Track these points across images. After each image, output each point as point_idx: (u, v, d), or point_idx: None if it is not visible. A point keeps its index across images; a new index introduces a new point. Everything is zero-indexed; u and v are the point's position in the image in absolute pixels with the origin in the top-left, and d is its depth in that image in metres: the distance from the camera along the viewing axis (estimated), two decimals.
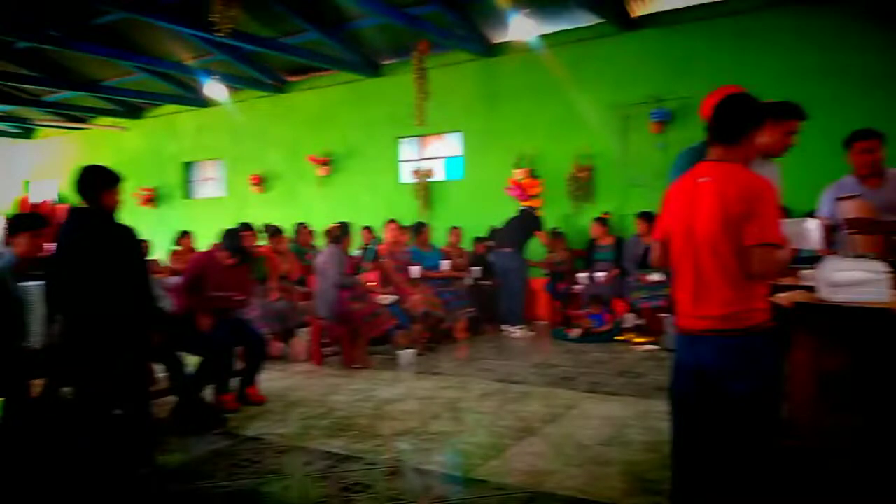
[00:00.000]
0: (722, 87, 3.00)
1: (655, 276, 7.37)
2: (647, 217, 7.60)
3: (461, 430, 4.31)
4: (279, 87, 11.31)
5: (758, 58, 7.47)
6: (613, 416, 4.51)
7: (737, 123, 2.39)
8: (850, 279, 2.60)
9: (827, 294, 2.64)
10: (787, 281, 2.98)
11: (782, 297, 2.86)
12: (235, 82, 10.86)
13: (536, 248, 8.39)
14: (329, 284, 6.26)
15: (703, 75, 7.34)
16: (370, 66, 10.20)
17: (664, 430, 4.10)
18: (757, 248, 2.23)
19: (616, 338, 7.38)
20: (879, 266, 2.73)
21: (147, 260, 4.46)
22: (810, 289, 2.87)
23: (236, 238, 5.15)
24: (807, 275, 3.04)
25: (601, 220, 8.13)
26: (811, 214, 4.52)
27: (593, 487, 3.26)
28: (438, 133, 10.07)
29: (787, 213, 6.83)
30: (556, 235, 8.45)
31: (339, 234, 6.41)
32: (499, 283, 8.22)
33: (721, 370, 2.33)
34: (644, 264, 7.55)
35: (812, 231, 2.99)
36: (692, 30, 7.94)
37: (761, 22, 7.57)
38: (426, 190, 9.87)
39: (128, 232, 3.64)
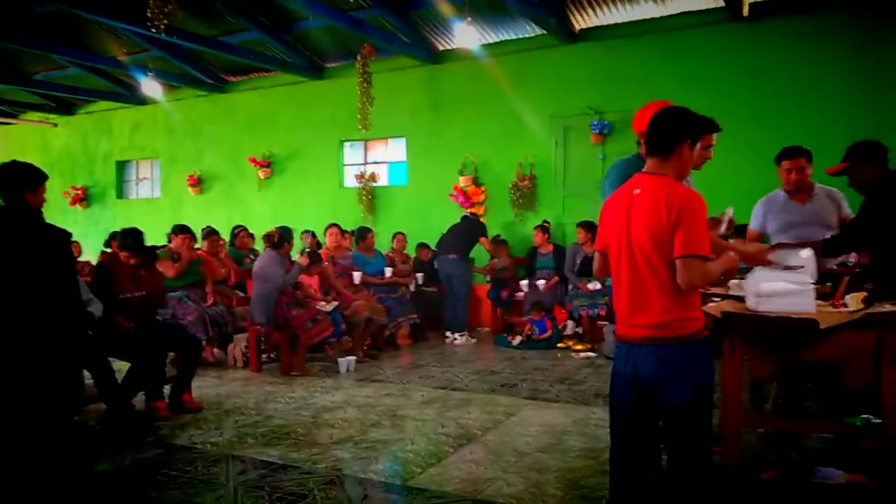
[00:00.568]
0: (652, 101, 3.09)
1: (594, 285, 7.52)
2: (587, 226, 7.74)
3: (401, 437, 4.28)
4: (219, 86, 11.06)
5: (690, 73, 7.72)
6: (552, 423, 4.55)
7: (669, 136, 2.44)
8: (776, 290, 2.68)
9: (753, 304, 2.73)
10: (718, 290, 3.07)
11: (712, 307, 2.94)
12: (173, 80, 10.56)
13: (480, 254, 8.44)
14: (267, 290, 6.13)
15: (641, 89, 7.52)
16: (314, 69, 10.08)
17: (602, 437, 4.20)
18: (684, 260, 2.27)
19: (557, 345, 7.48)
20: (806, 278, 2.83)
21: (75, 262, 4.28)
22: (740, 299, 2.96)
23: (135, 237, 4.94)
24: (735, 285, 3.14)
25: (542, 228, 8.24)
26: (743, 227, 4.69)
27: (531, 495, 3.28)
28: (383, 138, 10.02)
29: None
30: (498, 243, 8.52)
31: (280, 240, 6.29)
32: (442, 289, 8.23)
33: (656, 378, 2.37)
34: (583, 272, 7.69)
35: (807, 260, 3.03)
36: (629, 45, 8.14)
37: (693, 39, 7.82)
38: (370, 195, 9.80)
39: (55, 232, 3.48)
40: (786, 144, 4.33)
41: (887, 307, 2.76)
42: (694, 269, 2.27)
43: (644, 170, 2.48)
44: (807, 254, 3.00)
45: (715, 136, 3.78)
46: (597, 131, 8.16)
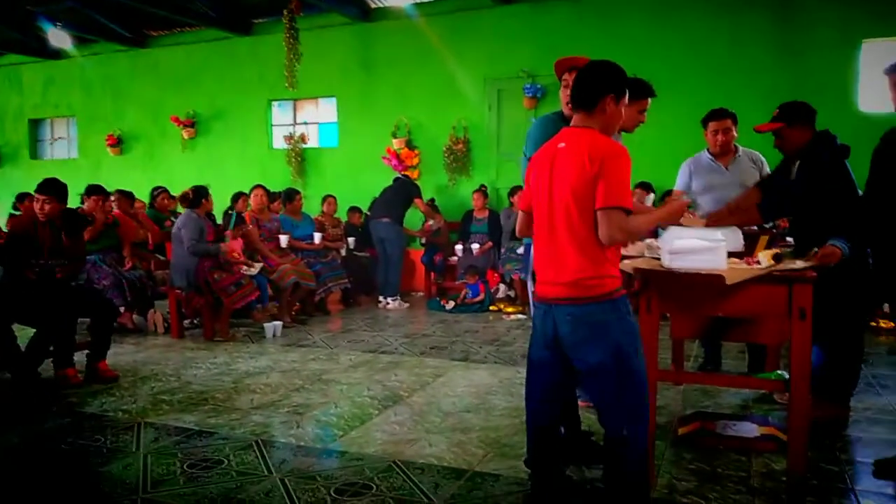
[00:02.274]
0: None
1: (522, 248, 7.53)
2: (520, 190, 7.73)
3: (324, 401, 4.18)
4: (140, 41, 10.47)
5: (623, 37, 7.71)
6: (479, 383, 4.54)
7: (593, 90, 2.36)
8: (688, 247, 2.68)
9: (667, 261, 2.72)
10: (634, 250, 3.06)
11: (626, 264, 2.93)
12: (88, 33, 9.92)
13: (414, 219, 8.34)
14: (186, 252, 5.87)
15: (574, 52, 7.43)
16: (240, 25, 9.63)
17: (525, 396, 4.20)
18: (605, 211, 2.22)
19: (489, 308, 7.49)
20: (718, 234, 2.84)
21: None
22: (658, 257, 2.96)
23: (58, 188, 4.59)
24: (652, 243, 3.14)
25: (482, 192, 8.17)
26: (670, 192, 4.73)
27: (452, 454, 3.25)
28: (312, 97, 9.72)
29: (648, 186, 7.22)
30: (433, 206, 8.42)
31: (195, 197, 6.00)
32: (375, 253, 8.09)
33: (574, 338, 2.33)
34: (515, 236, 7.69)
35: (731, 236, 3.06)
36: (563, 7, 8.07)
37: (628, 3, 7.82)
38: (299, 157, 9.52)
39: None
40: (712, 107, 4.36)
41: (799, 263, 2.79)
42: (614, 221, 2.20)
43: (571, 124, 2.42)
44: (727, 234, 2.99)
45: (650, 101, 3.77)
46: (530, 95, 8.10)
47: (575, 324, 2.32)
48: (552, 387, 2.49)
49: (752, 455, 3.16)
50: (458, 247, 8.14)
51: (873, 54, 7.06)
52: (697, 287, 2.65)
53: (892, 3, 6.92)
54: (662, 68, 7.28)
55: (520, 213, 2.62)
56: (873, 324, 5.86)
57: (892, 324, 5.92)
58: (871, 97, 7.05)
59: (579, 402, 3.99)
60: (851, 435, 3.48)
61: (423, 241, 8.53)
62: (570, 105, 3.17)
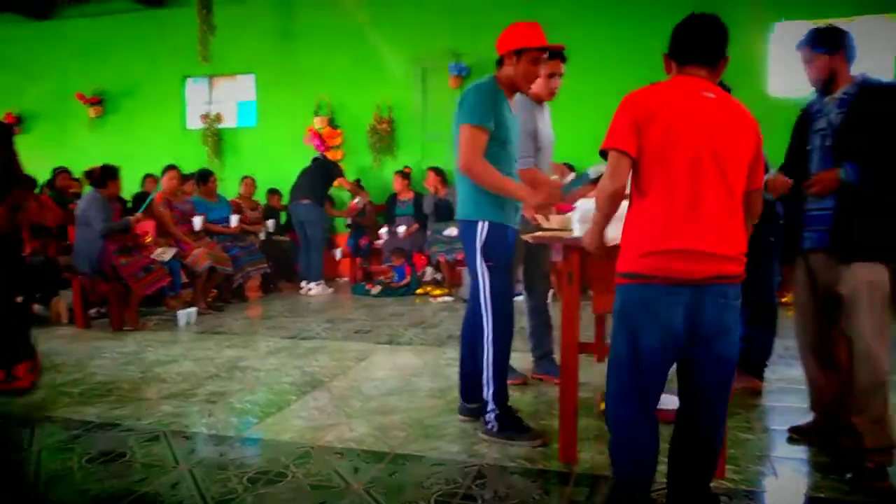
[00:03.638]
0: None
1: (451, 231, 7.45)
2: (437, 171, 7.63)
3: (239, 388, 3.98)
4: (44, 12, 9.76)
5: (553, 18, 7.65)
6: (403, 365, 4.43)
7: (722, 47, 2.19)
8: (586, 216, 2.67)
9: (577, 231, 2.70)
10: (556, 222, 3.01)
11: (528, 236, 2.91)
12: None
13: (343, 197, 8.16)
14: (90, 235, 5.50)
15: (498, 32, 7.40)
16: None
17: (451, 376, 4.12)
18: (758, 193, 2.18)
19: (416, 291, 7.39)
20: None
21: None
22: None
23: None
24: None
25: (403, 174, 8.03)
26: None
27: (373, 437, 3.13)
28: (229, 74, 9.31)
29: (570, 167, 7.23)
30: (359, 185, 8.23)
31: (102, 176, 5.63)
32: (296, 237, 7.85)
33: (717, 326, 2.06)
34: (441, 218, 7.60)
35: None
36: None
37: None
38: (215, 136, 9.12)
39: None
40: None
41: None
42: (759, 205, 2.21)
43: (687, 73, 2.13)
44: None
45: (561, 64, 3.72)
46: (455, 74, 8.01)
47: (726, 309, 2.00)
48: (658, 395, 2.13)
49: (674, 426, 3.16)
50: (383, 230, 8.00)
51: (784, 37, 7.28)
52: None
53: None
54: (583, 49, 7.29)
55: (619, 157, 2.01)
56: (784, 300, 6.06)
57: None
58: (781, 81, 7.28)
59: (536, 376, 3.97)
60: (766, 405, 3.57)
61: (349, 222, 8.33)
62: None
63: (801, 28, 6.99)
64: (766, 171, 2.57)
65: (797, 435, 3.03)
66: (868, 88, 2.65)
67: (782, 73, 7.28)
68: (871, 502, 2.44)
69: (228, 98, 9.48)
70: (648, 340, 2.00)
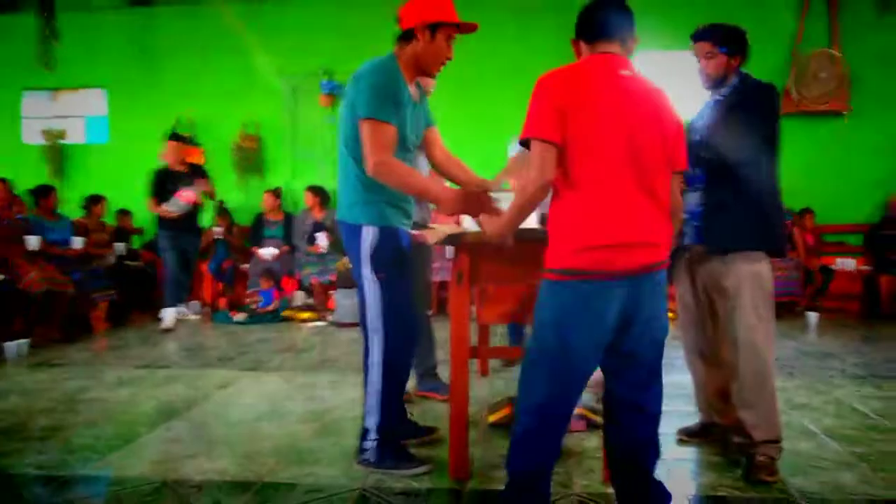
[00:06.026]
0: None
1: (323, 246, 7.11)
2: (316, 191, 7.30)
3: (77, 422, 3.43)
4: None
5: None
6: (272, 391, 4.04)
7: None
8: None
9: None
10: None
11: (421, 234, 2.67)
12: None
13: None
14: None
15: (373, 49, 7.24)
16: None
17: (326, 398, 3.80)
18: (679, 177, 2.14)
19: (284, 315, 6.95)
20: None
21: None
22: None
23: None
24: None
25: (273, 193, 7.60)
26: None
27: (238, 466, 2.75)
28: (77, 87, 8.50)
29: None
30: (221, 210, 7.69)
31: None
32: (151, 261, 7.17)
33: (648, 312, 2.03)
34: (313, 240, 7.25)
35: None
36: (361, 2, 7.84)
37: None
38: (58, 153, 8.25)
39: None
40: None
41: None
42: (679, 190, 2.17)
43: (597, 51, 2.02)
44: None
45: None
46: (327, 92, 7.75)
47: (660, 294, 1.96)
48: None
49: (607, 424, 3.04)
50: (265, 251, 7.43)
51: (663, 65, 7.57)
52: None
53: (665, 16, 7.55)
54: (461, 66, 7.28)
55: (546, 147, 1.86)
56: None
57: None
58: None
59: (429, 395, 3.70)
60: None
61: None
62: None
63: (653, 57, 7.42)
64: None
65: (686, 437, 3.00)
66: (737, 90, 2.69)
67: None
68: (765, 497, 2.40)
69: (76, 112, 8.63)
70: (584, 337, 1.89)
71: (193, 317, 7.02)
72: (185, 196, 6.16)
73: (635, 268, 1.87)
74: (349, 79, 2.52)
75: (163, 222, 6.28)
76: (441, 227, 2.75)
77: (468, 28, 2.52)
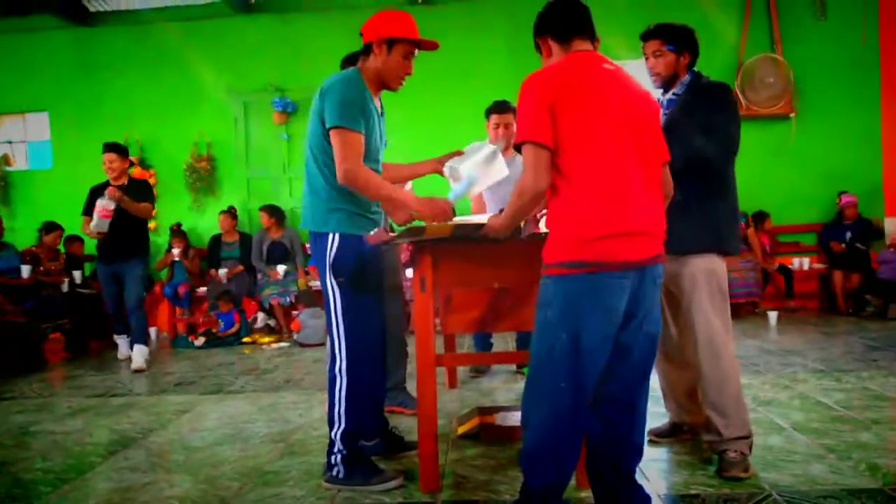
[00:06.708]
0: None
1: (283, 269, 6.99)
2: (271, 211, 7.16)
3: (27, 456, 3.26)
4: None
5: None
6: (235, 413, 3.91)
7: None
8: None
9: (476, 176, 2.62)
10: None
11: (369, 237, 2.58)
12: None
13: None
14: None
15: (327, 66, 7.16)
16: None
17: (290, 419, 3.69)
18: (667, 167, 2.12)
19: (244, 339, 6.78)
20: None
21: None
22: None
23: None
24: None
25: (229, 213, 7.43)
26: None
27: (199, 491, 2.63)
28: (17, 112, 8.23)
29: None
30: (177, 233, 7.49)
31: None
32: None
33: (649, 305, 2.01)
34: (272, 260, 7.11)
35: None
36: (310, 18, 7.78)
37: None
38: (2, 180, 7.96)
39: None
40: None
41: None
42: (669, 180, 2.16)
43: (576, 49, 2.01)
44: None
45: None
46: (279, 109, 7.62)
47: (657, 290, 1.94)
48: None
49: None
50: (223, 271, 7.25)
51: None
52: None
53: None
54: (417, 72, 7.25)
55: (539, 152, 1.84)
56: None
57: None
58: None
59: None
60: None
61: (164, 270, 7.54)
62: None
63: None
64: None
65: (657, 437, 2.98)
66: (691, 88, 2.70)
67: None
68: (740, 493, 2.38)
69: (17, 138, 8.35)
70: (597, 333, 1.84)
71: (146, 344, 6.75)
72: (99, 210, 5.20)
73: (640, 259, 1.85)
74: (317, 91, 2.53)
75: (97, 247, 5.65)
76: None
77: (428, 45, 2.57)
